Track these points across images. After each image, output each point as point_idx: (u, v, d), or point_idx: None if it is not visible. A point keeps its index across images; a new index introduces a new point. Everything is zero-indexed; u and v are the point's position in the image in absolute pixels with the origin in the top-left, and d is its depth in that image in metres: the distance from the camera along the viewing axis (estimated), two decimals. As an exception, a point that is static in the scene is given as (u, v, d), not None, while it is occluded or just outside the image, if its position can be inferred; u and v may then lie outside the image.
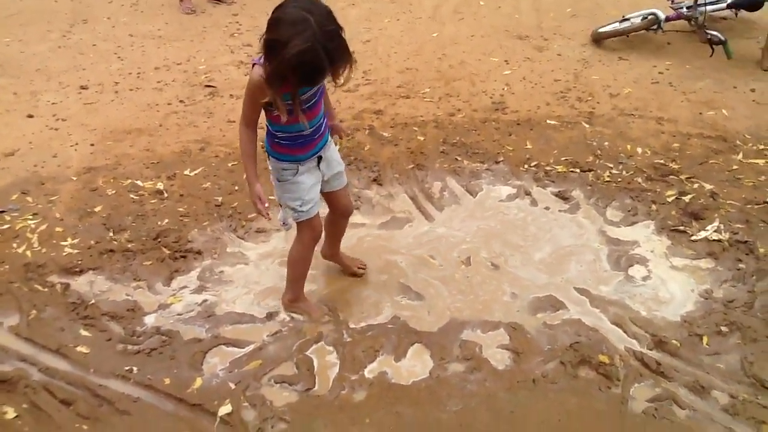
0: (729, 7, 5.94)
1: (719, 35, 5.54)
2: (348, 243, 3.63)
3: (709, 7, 5.73)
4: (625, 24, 6.12)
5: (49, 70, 5.82)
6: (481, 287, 3.36)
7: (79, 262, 3.49)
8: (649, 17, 5.95)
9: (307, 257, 3.13)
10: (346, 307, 3.24)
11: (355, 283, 3.40)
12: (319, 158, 2.94)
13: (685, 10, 5.87)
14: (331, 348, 3.00)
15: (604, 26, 6.22)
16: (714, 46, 5.59)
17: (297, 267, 3.15)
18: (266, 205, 2.85)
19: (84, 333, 3.06)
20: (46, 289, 3.32)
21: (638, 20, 6.04)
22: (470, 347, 2.98)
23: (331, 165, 3.03)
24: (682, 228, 3.71)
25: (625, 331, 3.07)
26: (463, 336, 3.06)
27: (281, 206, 3.00)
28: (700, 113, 4.98)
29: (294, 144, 2.82)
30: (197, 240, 3.70)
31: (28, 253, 3.56)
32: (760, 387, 2.73)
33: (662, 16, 5.88)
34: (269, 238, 3.74)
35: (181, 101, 5.30)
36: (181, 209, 3.94)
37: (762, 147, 4.48)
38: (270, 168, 2.95)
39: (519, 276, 3.43)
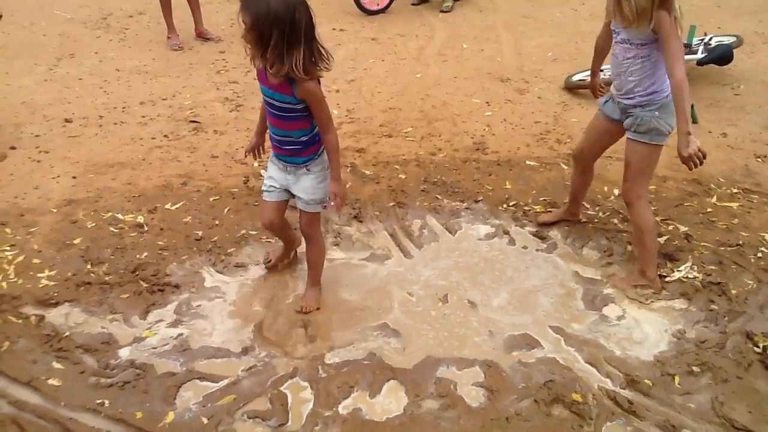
0: (699, 64, 6.09)
1: None
2: (326, 277, 3.65)
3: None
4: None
5: (34, 103, 5.85)
6: (457, 325, 3.38)
7: (56, 294, 3.48)
8: None
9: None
10: (322, 343, 3.25)
11: (332, 318, 3.41)
12: (286, 166, 3.24)
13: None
14: (305, 383, 3.00)
15: (577, 73, 6.37)
16: None
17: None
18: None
19: (57, 365, 3.04)
20: (20, 321, 3.30)
21: (611, 73, 6.18)
22: (445, 384, 2.99)
23: (295, 186, 3.28)
24: (656, 269, 3.76)
25: (598, 370, 3.09)
26: (438, 373, 3.07)
27: None
28: (676, 156, 5.05)
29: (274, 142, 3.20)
30: (175, 274, 3.70)
31: (4, 284, 3.54)
32: (730, 427, 2.76)
33: None
34: (248, 273, 3.75)
35: (165, 136, 5.34)
36: (160, 243, 3.94)
37: (735, 191, 4.57)
38: None
39: (495, 314, 3.46)
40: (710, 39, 6.40)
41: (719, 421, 2.80)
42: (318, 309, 3.47)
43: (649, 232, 3.57)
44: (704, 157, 3.18)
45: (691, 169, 3.24)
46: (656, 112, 3.34)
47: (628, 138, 3.52)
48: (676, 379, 3.02)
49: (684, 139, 3.13)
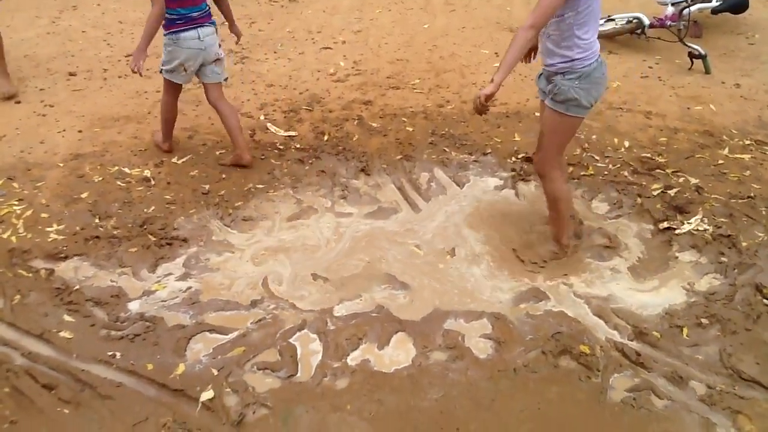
0: (713, 12, 5.95)
1: (700, 49, 5.54)
2: (335, 232, 3.65)
3: (694, 8, 5.74)
4: (610, 25, 6.15)
5: (38, 57, 5.79)
6: (465, 277, 3.38)
7: (65, 248, 3.49)
8: (634, 21, 5.99)
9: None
10: (331, 295, 3.26)
11: (340, 271, 3.41)
12: None
13: (670, 6, 5.88)
14: (314, 335, 3.01)
15: None
16: (694, 60, 5.60)
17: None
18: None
19: (68, 318, 3.06)
20: (30, 275, 3.31)
21: (623, 22, 6.09)
22: (453, 336, 3.00)
23: None
24: (666, 222, 3.73)
25: (606, 322, 3.09)
26: (446, 325, 3.08)
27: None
28: (688, 108, 5.01)
29: None
30: (183, 227, 3.70)
31: (13, 238, 3.55)
32: (738, 378, 2.77)
33: (646, 21, 5.89)
34: (255, 227, 3.74)
35: (170, 89, 5.28)
36: (167, 197, 3.94)
37: (748, 142, 4.51)
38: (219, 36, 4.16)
39: (503, 266, 3.45)
40: (725, -14, 6.25)
41: (727, 372, 2.80)
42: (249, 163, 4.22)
43: (564, 201, 3.40)
44: (483, 111, 3.01)
45: (475, 112, 3.04)
46: (576, 81, 3.07)
47: (546, 106, 3.24)
48: (685, 331, 3.02)
49: (489, 84, 2.95)
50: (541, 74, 3.30)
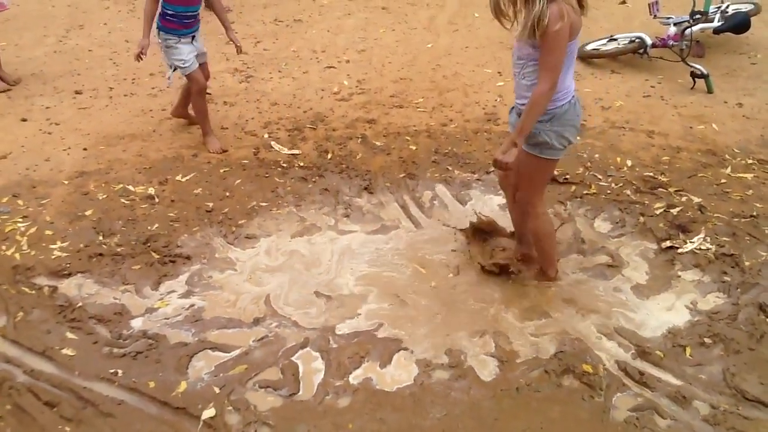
0: (716, 32, 5.98)
1: (702, 69, 5.56)
2: (337, 250, 3.66)
3: (696, 27, 5.77)
4: (612, 44, 6.19)
5: (45, 75, 5.85)
6: (468, 295, 3.38)
7: (68, 265, 3.50)
8: (636, 41, 6.03)
9: (201, 102, 4.67)
10: (333, 313, 3.25)
11: (342, 289, 3.41)
12: (193, 37, 4.52)
13: (673, 26, 5.92)
14: (316, 354, 3.01)
15: (590, 43, 6.29)
16: (696, 79, 5.62)
17: (199, 110, 4.72)
18: (143, 55, 4.47)
19: (70, 336, 3.07)
20: (33, 292, 3.33)
21: (625, 42, 6.13)
22: (456, 355, 2.99)
23: (200, 46, 4.62)
24: (669, 240, 3.73)
25: (609, 341, 3.08)
26: (449, 344, 3.07)
27: (169, 68, 4.53)
28: (691, 127, 5.02)
29: (179, 22, 4.38)
30: (187, 245, 3.71)
31: (17, 255, 3.57)
32: (742, 398, 2.75)
33: (649, 41, 5.93)
34: (258, 244, 3.75)
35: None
36: (171, 214, 3.95)
37: (750, 161, 4.52)
38: (160, 41, 4.45)
39: (506, 285, 3.45)
40: (727, 6, 6.30)
41: (731, 392, 2.79)
42: (225, 150, 4.68)
43: (546, 238, 3.34)
44: (505, 170, 3.02)
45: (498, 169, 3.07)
46: (547, 124, 2.96)
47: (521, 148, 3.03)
48: (688, 350, 3.01)
49: (507, 146, 2.94)
50: (513, 108, 3.21)
